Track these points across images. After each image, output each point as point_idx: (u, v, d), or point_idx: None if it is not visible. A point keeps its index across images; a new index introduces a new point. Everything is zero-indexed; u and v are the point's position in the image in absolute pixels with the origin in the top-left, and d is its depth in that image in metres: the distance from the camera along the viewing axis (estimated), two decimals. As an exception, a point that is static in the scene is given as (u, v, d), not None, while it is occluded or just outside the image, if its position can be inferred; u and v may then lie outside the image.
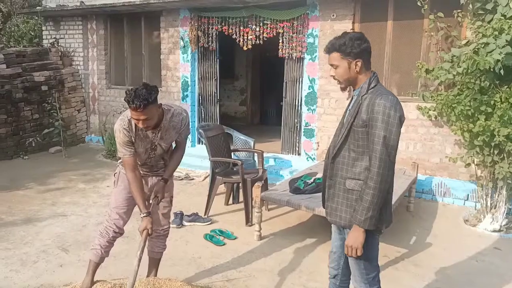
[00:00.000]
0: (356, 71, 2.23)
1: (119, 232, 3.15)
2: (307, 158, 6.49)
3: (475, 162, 4.94)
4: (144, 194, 2.94)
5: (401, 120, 2.14)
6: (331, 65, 2.28)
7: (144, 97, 2.61)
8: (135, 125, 2.82)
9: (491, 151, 4.64)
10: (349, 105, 2.37)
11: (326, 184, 2.42)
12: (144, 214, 2.86)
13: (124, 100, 2.70)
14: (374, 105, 2.13)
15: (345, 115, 2.36)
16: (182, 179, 6.37)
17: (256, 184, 4.34)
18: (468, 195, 5.43)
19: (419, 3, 5.03)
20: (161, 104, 2.85)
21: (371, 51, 2.27)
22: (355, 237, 2.20)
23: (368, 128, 2.16)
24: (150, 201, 3.02)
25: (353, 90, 2.33)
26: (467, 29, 5.10)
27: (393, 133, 2.11)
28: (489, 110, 4.56)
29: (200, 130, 5.07)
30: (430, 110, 5.41)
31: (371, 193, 2.13)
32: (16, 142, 7.59)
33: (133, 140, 2.86)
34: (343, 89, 2.37)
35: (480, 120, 4.52)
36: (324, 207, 2.51)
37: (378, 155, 2.11)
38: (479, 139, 4.57)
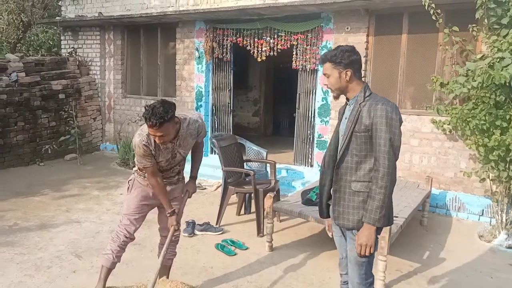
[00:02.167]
0: (346, 80, 2.39)
1: (130, 238, 3.21)
2: (319, 170, 6.44)
3: (490, 177, 4.88)
4: (167, 194, 3.11)
5: (400, 122, 2.31)
6: (324, 74, 2.46)
7: (160, 116, 2.68)
8: (153, 139, 2.90)
9: (507, 166, 4.59)
10: (343, 113, 2.51)
11: (324, 189, 2.57)
12: (170, 213, 3.09)
13: (142, 116, 2.81)
14: (377, 110, 2.27)
15: (339, 123, 2.51)
16: (194, 188, 6.39)
17: (268, 194, 4.34)
18: (483, 210, 5.36)
19: (434, 17, 5.02)
20: (178, 119, 2.93)
21: (361, 63, 2.45)
22: (368, 235, 2.30)
23: (371, 132, 2.29)
24: (182, 196, 3.28)
25: (347, 100, 2.46)
26: (482, 43, 5.08)
27: (396, 134, 2.27)
28: (505, 124, 4.52)
29: (213, 140, 5.11)
30: (444, 124, 5.37)
31: (382, 192, 2.25)
32: (32, 149, 7.73)
33: (153, 153, 2.94)
34: (335, 98, 2.52)
35: (495, 135, 4.48)
36: (320, 216, 2.67)
37: (386, 155, 2.24)
38: (494, 153, 4.52)
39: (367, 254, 2.32)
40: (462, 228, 5.15)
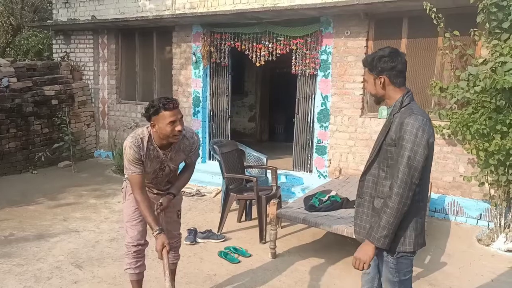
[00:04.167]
0: (381, 87, 2.26)
1: (139, 245, 3.10)
2: (318, 176, 6.45)
3: (489, 181, 4.90)
4: (153, 212, 2.89)
5: (428, 141, 2.11)
6: (364, 78, 2.34)
7: (172, 99, 2.79)
8: (147, 145, 2.84)
9: (506, 170, 4.60)
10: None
11: (356, 202, 2.42)
12: (157, 231, 2.77)
13: (155, 111, 2.74)
14: (403, 124, 2.12)
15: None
16: (193, 195, 6.32)
17: (272, 201, 4.31)
18: (481, 214, 5.38)
19: (435, 21, 5.03)
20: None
21: (402, 69, 2.25)
22: (365, 251, 2.19)
23: (396, 147, 2.15)
24: (156, 210, 2.96)
25: (388, 107, 2.34)
26: (482, 48, 5.11)
27: (418, 154, 2.08)
28: (505, 129, 4.53)
29: (215, 146, 5.05)
30: (444, 128, 5.39)
31: (388, 212, 2.12)
32: (25, 156, 7.57)
33: (142, 159, 2.84)
34: (375, 103, 2.44)
35: (495, 139, 4.50)
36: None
37: (400, 175, 2.09)
38: (494, 158, 4.54)
39: (359, 268, 2.21)
40: (461, 232, 5.16)
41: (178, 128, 2.75)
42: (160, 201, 2.97)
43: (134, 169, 2.82)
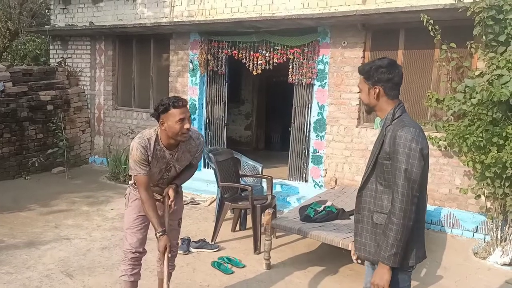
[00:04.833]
0: (374, 97, 2.23)
1: (137, 252, 3.08)
2: (314, 185, 6.42)
3: (485, 194, 4.88)
4: (158, 212, 2.92)
5: (422, 152, 2.08)
6: (359, 87, 2.34)
7: (181, 98, 2.84)
8: (154, 145, 2.87)
9: (502, 183, 4.59)
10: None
11: (354, 218, 2.37)
12: (160, 233, 2.83)
13: (164, 109, 2.77)
14: (396, 137, 2.09)
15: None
16: (187, 203, 6.26)
17: (267, 211, 4.26)
18: (477, 227, 5.35)
19: (432, 33, 5.06)
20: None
21: (398, 82, 2.23)
22: (381, 275, 2.14)
23: (391, 160, 2.12)
24: (160, 199, 3.01)
25: (380, 120, 2.31)
26: (479, 60, 5.13)
27: (414, 166, 2.05)
28: (501, 142, 4.53)
29: (210, 155, 5.02)
30: (440, 140, 5.38)
31: (394, 229, 2.07)
32: (18, 161, 7.50)
33: (149, 159, 2.87)
34: (367, 112, 2.40)
35: (492, 152, 4.49)
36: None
37: (400, 189, 2.06)
38: (490, 170, 4.53)
39: None
40: (457, 245, 5.13)
41: (187, 126, 2.80)
42: (168, 193, 3.00)
43: (139, 170, 2.85)
